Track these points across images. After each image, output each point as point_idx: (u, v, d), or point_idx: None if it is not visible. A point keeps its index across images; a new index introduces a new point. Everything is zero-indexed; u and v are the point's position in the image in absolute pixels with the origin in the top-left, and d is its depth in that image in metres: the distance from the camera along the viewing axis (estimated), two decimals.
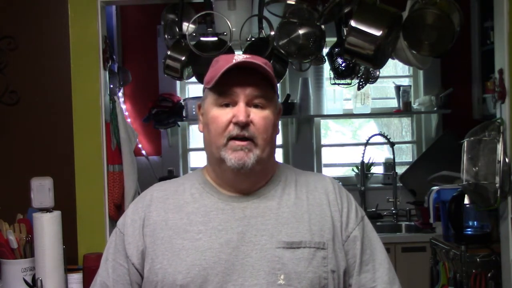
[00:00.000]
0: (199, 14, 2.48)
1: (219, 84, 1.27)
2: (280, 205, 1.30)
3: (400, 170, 3.96)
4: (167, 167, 3.85)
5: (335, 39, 2.74)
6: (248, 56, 1.30)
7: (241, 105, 1.26)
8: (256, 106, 1.28)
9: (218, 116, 1.27)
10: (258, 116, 1.27)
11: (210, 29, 2.54)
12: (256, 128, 1.26)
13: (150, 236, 1.30)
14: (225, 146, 1.26)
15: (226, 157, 1.26)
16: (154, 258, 1.27)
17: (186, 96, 3.98)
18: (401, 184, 3.93)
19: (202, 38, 2.55)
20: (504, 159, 2.24)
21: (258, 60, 1.29)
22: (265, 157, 1.29)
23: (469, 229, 2.68)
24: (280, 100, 3.82)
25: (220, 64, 1.28)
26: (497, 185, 2.23)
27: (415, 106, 3.98)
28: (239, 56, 1.30)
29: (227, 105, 1.28)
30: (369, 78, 2.92)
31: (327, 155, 4.14)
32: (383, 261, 1.34)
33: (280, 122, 4.55)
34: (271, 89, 1.31)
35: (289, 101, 3.85)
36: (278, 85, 4.10)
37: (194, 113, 3.66)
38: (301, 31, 2.52)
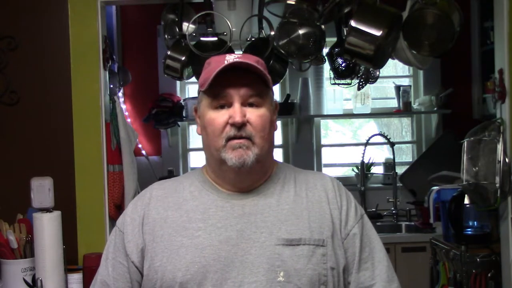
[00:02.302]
0: (199, 14, 2.48)
1: (213, 86, 1.27)
2: (279, 202, 1.31)
3: (400, 170, 3.96)
4: (167, 167, 3.85)
5: (335, 39, 2.74)
6: (239, 55, 1.30)
7: (237, 106, 1.26)
8: (251, 105, 1.28)
9: (215, 119, 1.28)
10: (255, 115, 1.27)
11: (210, 29, 2.55)
12: (253, 127, 1.26)
13: (149, 234, 1.30)
14: (224, 147, 1.26)
15: (227, 157, 1.26)
16: (154, 256, 1.28)
17: (186, 96, 3.98)
18: (401, 184, 3.92)
19: (202, 38, 2.55)
20: (504, 159, 2.24)
21: (250, 59, 1.29)
22: (264, 155, 1.29)
23: (469, 229, 2.68)
24: (280, 100, 3.87)
25: (212, 66, 1.28)
26: (497, 185, 2.22)
27: (415, 106, 3.98)
28: (230, 56, 1.29)
29: (222, 107, 1.28)
30: (369, 78, 2.92)
31: (327, 155, 4.14)
32: (382, 259, 1.34)
33: (280, 122, 4.54)
34: (265, 87, 1.30)
35: (289, 101, 3.85)
36: (278, 85, 4.10)
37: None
38: (301, 31, 2.52)
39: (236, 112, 1.25)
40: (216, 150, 1.28)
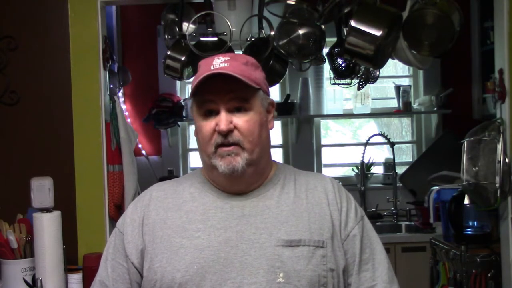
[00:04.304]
0: (199, 14, 2.48)
1: (198, 94, 1.28)
2: (279, 203, 1.31)
3: (400, 170, 3.96)
4: (167, 167, 3.86)
5: (335, 39, 2.73)
6: (226, 58, 1.28)
7: (222, 113, 1.26)
8: (239, 109, 1.27)
9: (203, 126, 1.28)
10: (242, 120, 1.26)
11: (210, 29, 2.54)
12: (241, 132, 1.26)
13: (149, 235, 1.30)
14: (214, 153, 1.27)
15: (217, 164, 1.27)
16: (153, 257, 1.28)
17: (186, 96, 3.97)
18: (401, 184, 3.92)
19: (202, 38, 2.55)
20: (504, 159, 2.23)
21: (238, 60, 1.28)
22: (256, 158, 1.28)
23: (469, 229, 2.67)
24: (280, 100, 3.87)
25: (199, 72, 1.28)
26: (497, 185, 2.22)
27: (415, 106, 3.98)
28: (217, 60, 1.28)
29: (210, 113, 1.28)
30: (369, 78, 2.91)
31: (327, 155, 4.14)
32: (383, 260, 1.34)
33: (280, 122, 4.52)
34: (253, 88, 1.28)
35: (289, 101, 3.85)
36: (278, 85, 4.08)
37: None
38: (301, 31, 2.52)
39: (221, 120, 1.25)
40: (207, 156, 1.29)
